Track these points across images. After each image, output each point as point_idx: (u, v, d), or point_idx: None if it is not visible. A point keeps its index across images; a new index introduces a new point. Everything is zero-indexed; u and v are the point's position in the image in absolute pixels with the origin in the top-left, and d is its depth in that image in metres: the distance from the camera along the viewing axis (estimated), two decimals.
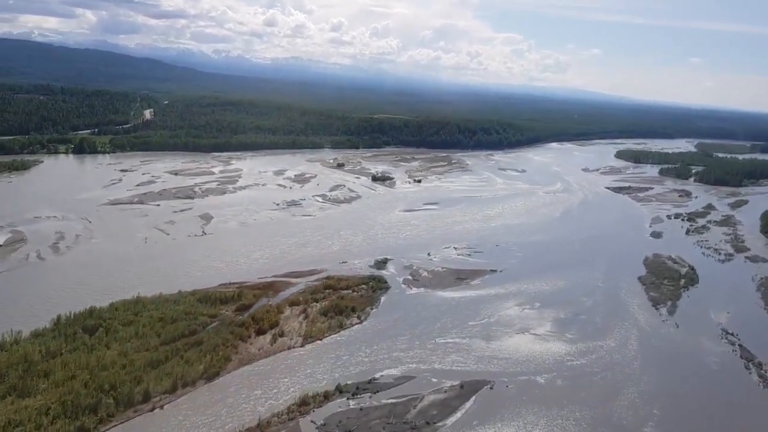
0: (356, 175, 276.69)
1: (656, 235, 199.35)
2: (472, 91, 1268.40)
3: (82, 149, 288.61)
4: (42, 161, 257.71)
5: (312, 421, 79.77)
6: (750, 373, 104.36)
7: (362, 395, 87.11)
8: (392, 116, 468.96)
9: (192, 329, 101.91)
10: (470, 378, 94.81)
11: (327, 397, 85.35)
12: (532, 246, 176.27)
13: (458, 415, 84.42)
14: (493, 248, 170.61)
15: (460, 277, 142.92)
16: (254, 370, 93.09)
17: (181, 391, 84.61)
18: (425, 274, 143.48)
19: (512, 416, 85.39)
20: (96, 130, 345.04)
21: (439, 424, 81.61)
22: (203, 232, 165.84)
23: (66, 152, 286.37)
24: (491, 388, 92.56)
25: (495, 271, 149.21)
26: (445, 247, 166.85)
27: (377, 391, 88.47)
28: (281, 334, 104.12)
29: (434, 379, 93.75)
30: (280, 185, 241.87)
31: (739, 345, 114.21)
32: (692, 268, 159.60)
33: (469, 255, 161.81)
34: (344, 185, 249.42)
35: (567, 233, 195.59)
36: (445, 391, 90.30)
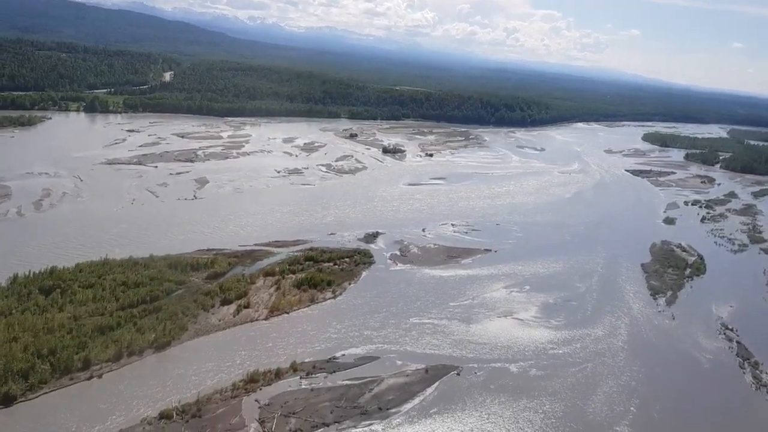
0: (367, 147, 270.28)
1: (669, 221, 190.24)
2: (506, 68, 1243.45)
3: (93, 108, 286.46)
4: (50, 118, 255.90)
5: (256, 400, 75.03)
6: (744, 373, 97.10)
7: (317, 375, 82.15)
8: (414, 88, 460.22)
9: (154, 295, 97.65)
10: (439, 362, 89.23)
11: (279, 375, 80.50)
12: (534, 227, 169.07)
13: (416, 401, 79.04)
14: (493, 227, 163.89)
15: (451, 255, 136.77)
16: (210, 341, 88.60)
17: (126, 360, 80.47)
18: (415, 250, 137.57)
19: (475, 405, 79.76)
20: (112, 89, 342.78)
21: (393, 410, 76.33)
22: (194, 196, 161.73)
23: (77, 110, 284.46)
24: (458, 374, 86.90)
25: (489, 250, 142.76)
26: (443, 224, 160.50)
27: (334, 372, 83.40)
28: (247, 306, 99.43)
29: (399, 362, 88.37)
30: (286, 153, 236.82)
31: (737, 342, 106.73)
32: (701, 258, 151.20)
33: (467, 233, 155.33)
34: (352, 156, 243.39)
35: (574, 215, 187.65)
36: (407, 375, 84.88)
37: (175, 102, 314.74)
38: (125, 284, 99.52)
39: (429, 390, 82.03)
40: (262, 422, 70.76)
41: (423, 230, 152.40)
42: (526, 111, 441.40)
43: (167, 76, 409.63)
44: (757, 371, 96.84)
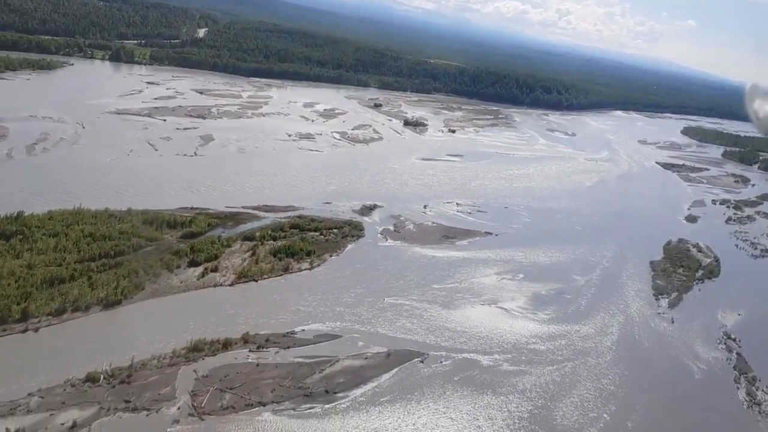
0: (389, 118, 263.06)
1: (691, 219, 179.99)
2: (555, 51, 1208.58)
3: (118, 57, 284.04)
4: (72, 64, 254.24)
5: (195, 371, 70.27)
6: (738, 387, 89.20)
7: (269, 349, 77.04)
8: (448, 62, 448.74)
9: (119, 250, 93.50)
10: (405, 347, 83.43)
11: (227, 345, 75.58)
12: (545, 213, 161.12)
13: (368, 386, 73.52)
14: (501, 210, 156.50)
15: (448, 235, 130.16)
16: (165, 303, 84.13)
17: (69, 315, 76.37)
18: (410, 227, 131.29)
19: (432, 397, 73.94)
20: (143, 41, 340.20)
21: (340, 394, 70.95)
22: (195, 153, 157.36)
23: (102, 58, 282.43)
24: (422, 361, 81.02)
25: (490, 234, 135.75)
26: (447, 202, 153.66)
27: (288, 347, 78.21)
28: (214, 269, 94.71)
29: (361, 343, 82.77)
30: (303, 117, 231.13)
31: (737, 353, 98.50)
32: (716, 260, 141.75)
33: (470, 213, 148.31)
34: (371, 126, 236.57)
35: (591, 204, 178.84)
36: (366, 358, 79.31)
37: (201, 58, 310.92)
38: (92, 236, 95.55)
39: (385, 376, 76.37)
40: (194, 395, 66.07)
41: (424, 207, 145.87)
42: (563, 94, 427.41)
43: (201, 32, 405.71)
44: (753, 387, 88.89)
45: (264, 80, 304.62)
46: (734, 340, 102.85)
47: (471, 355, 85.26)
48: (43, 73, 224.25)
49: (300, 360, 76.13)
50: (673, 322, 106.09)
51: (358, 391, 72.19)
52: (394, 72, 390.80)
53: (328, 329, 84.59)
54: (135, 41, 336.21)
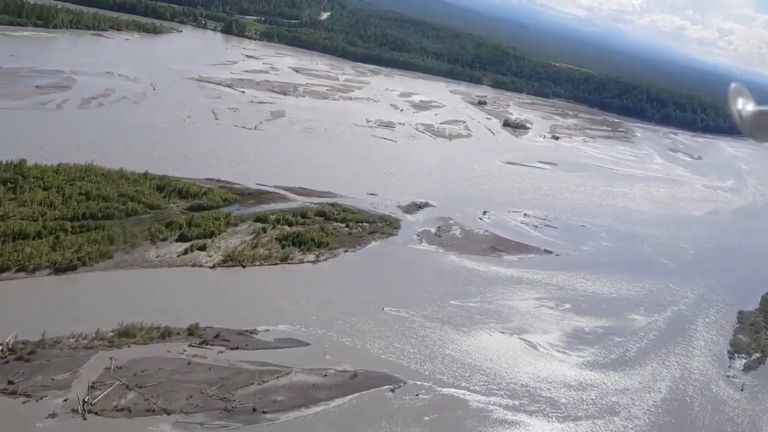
0: (489, 117, 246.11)
1: None
2: (713, 71, 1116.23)
3: (230, 29, 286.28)
4: (180, 31, 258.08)
5: (111, 359, 60.68)
6: None
7: (213, 347, 66.15)
8: (573, 67, 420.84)
9: (108, 213, 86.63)
10: (380, 369, 69.79)
11: (165, 335, 65.52)
12: (629, 238, 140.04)
13: (309, 411, 60.77)
14: (575, 228, 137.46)
15: (497, 247, 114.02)
16: (127, 277, 75.58)
17: (10, 274, 69.46)
18: (455, 232, 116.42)
19: None
20: (263, 18, 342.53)
21: (269, 416, 58.79)
22: (255, 126, 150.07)
23: (214, 29, 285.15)
24: (393, 390, 67.02)
25: (550, 252, 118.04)
26: (514, 211, 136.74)
27: (238, 347, 66.96)
28: (202, 248, 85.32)
29: (329, 356, 69.96)
30: (393, 105, 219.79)
31: None
32: None
33: (536, 227, 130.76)
34: (464, 122, 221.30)
35: (690, 236, 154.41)
36: (325, 375, 66.47)
37: (312, 39, 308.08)
38: (87, 195, 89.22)
39: (338, 401, 63.20)
40: (92, 387, 56.37)
41: (484, 213, 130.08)
42: (699, 114, 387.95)
43: (324, 15, 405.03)
44: None
45: (370, 66, 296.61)
46: None
47: (460, 392, 70.09)
48: (146, 36, 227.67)
49: (243, 365, 64.63)
50: (742, 390, 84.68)
51: (292, 415, 59.67)
52: (512, 72, 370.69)
53: (297, 334, 72.51)
54: (254, 17, 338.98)
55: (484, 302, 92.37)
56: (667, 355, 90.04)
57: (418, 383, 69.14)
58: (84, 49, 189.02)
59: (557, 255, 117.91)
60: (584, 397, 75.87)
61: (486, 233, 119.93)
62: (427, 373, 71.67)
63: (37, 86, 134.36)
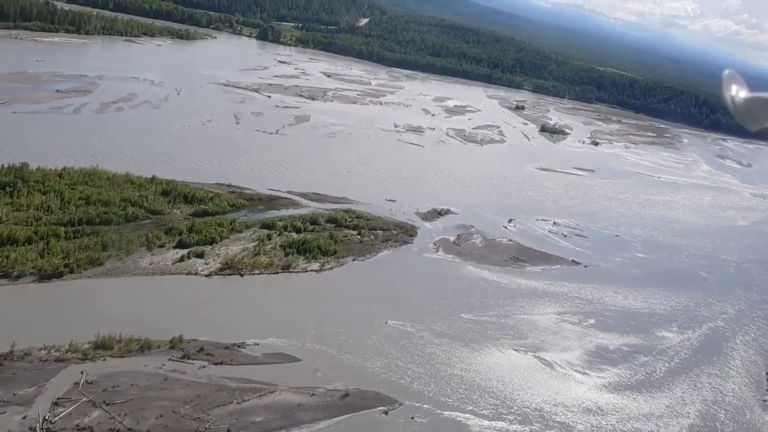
0: (526, 122, 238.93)
1: None
2: (766, 77, 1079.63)
3: (265, 36, 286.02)
4: (215, 37, 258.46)
5: (83, 372, 57.06)
6: None
7: (194, 362, 61.95)
8: (618, 71, 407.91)
9: (106, 219, 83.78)
10: (375, 388, 64.52)
11: (144, 348, 61.61)
12: (667, 249, 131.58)
13: None
14: (609, 237, 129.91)
15: (521, 257, 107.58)
16: (116, 286, 72.23)
17: None
18: (476, 241, 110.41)
19: None
20: (300, 24, 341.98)
21: None
22: (277, 131, 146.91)
23: (249, 35, 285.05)
24: (386, 412, 61.68)
25: (578, 263, 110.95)
26: (543, 219, 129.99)
27: (221, 363, 62.65)
28: (199, 255, 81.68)
29: (320, 373, 64.96)
30: (425, 110, 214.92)
31: None
32: None
33: (565, 236, 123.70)
34: (499, 127, 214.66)
35: (733, 247, 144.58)
36: (313, 395, 61.56)
37: (347, 44, 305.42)
38: (87, 199, 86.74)
39: (323, 424, 58.21)
40: (56, 403, 52.78)
41: (509, 221, 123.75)
42: None
43: (363, 21, 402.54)
44: None
45: (406, 71, 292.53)
46: None
47: (462, 415, 64.32)
48: (179, 42, 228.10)
49: (225, 382, 60.24)
50: None
51: None
52: (554, 76, 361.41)
53: (289, 348, 67.85)
54: (292, 24, 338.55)
55: (500, 316, 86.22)
56: (698, 376, 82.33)
57: (416, 405, 63.60)
58: (113, 55, 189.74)
59: (585, 266, 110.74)
60: (603, 423, 69.12)
61: (509, 242, 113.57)
62: (428, 394, 66.06)
63: (57, 90, 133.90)
